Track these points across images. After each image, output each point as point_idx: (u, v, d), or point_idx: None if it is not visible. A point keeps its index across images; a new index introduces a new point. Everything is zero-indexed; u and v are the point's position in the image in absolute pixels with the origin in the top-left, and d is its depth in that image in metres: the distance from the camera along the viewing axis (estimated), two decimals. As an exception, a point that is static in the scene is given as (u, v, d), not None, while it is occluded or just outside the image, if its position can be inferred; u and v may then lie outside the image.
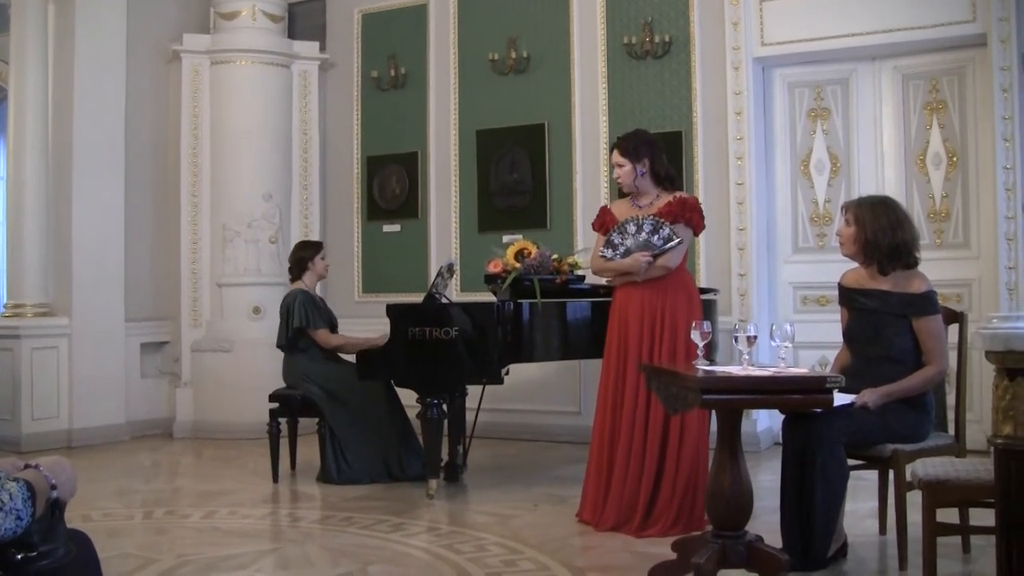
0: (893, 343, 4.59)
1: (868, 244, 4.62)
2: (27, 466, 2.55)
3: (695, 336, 4.37)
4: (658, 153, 5.58)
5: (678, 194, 5.55)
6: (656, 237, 5.34)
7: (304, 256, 7.26)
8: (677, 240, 5.34)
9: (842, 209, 4.86)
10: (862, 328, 4.69)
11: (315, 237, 9.21)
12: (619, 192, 5.96)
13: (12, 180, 8.82)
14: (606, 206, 5.87)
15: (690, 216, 5.47)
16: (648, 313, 5.41)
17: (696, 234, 5.67)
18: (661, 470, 5.30)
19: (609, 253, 5.43)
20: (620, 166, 5.53)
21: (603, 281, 6.03)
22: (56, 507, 2.54)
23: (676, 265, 5.41)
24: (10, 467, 2.52)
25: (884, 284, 4.65)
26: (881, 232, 4.59)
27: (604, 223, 5.62)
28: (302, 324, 6.95)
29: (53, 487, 2.52)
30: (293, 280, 7.29)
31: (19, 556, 2.42)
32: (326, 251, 7.43)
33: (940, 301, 4.73)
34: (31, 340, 8.40)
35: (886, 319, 4.61)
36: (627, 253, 5.37)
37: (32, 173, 8.65)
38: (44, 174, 8.70)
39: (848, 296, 4.79)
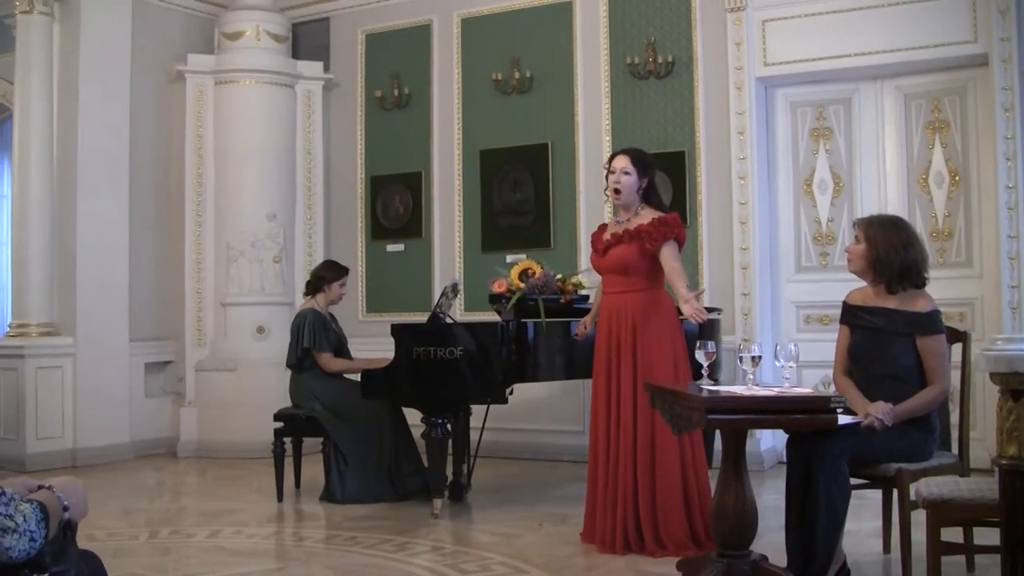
0: (898, 361, 4.59)
1: (878, 262, 4.63)
2: (40, 487, 2.57)
3: (699, 356, 4.39)
4: (655, 175, 5.66)
5: (658, 214, 5.47)
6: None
7: (324, 276, 7.29)
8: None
9: (853, 225, 4.88)
10: (868, 346, 4.69)
11: (319, 257, 9.26)
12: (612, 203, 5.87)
13: (17, 199, 8.85)
14: (594, 232, 5.80)
15: (677, 232, 5.41)
16: (615, 329, 5.41)
17: (680, 245, 5.50)
18: (636, 487, 5.26)
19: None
20: (627, 173, 5.48)
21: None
22: (68, 528, 2.56)
23: (677, 262, 5.36)
24: (23, 488, 2.54)
25: (890, 302, 4.65)
26: (892, 252, 4.60)
27: (595, 247, 5.66)
28: (310, 344, 6.98)
29: (65, 508, 2.54)
30: (306, 295, 7.33)
31: (31, 577, 2.44)
32: (347, 279, 7.43)
33: (943, 320, 4.74)
34: (35, 359, 8.42)
35: (891, 337, 4.61)
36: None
37: (36, 192, 8.69)
38: (48, 193, 8.72)
39: (853, 314, 4.78)
